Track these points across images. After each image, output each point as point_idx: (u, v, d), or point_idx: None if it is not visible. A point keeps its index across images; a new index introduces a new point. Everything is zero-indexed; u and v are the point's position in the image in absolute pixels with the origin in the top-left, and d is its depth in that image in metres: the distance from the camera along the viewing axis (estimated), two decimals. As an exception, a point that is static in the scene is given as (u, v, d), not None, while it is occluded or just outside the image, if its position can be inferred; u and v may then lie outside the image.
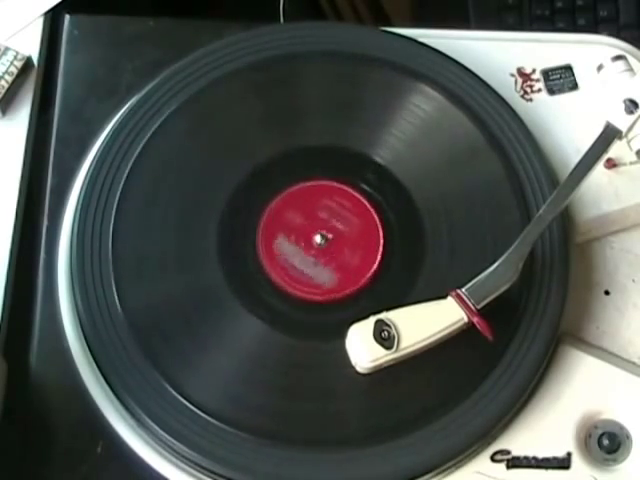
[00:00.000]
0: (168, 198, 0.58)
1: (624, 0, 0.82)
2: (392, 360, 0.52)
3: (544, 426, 0.55)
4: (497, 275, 0.53)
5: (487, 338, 0.52)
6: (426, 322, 0.52)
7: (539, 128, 0.62)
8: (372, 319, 0.52)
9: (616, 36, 0.66)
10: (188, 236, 0.58)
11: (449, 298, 0.53)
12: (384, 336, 0.51)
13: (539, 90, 0.64)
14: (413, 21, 0.86)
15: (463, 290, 0.53)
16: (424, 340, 0.52)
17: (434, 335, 0.52)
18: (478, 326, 0.52)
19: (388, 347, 0.51)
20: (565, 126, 0.63)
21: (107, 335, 0.55)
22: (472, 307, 0.52)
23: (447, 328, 0.52)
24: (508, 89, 0.63)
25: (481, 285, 0.53)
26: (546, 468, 0.54)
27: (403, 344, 0.51)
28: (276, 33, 0.64)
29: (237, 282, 0.56)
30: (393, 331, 0.51)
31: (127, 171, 0.59)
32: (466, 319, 0.52)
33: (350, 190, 0.59)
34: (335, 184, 0.59)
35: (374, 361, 0.51)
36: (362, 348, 0.52)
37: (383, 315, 0.52)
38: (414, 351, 0.52)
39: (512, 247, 0.54)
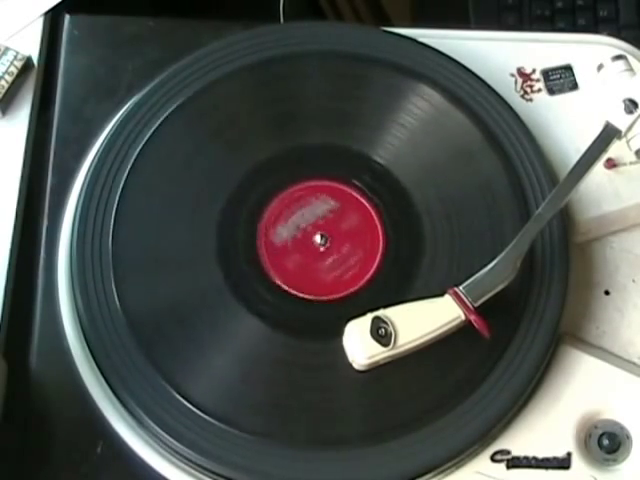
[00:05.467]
0: (168, 198, 0.58)
1: (624, 0, 0.82)
2: (389, 357, 0.52)
3: (544, 426, 0.55)
4: (495, 273, 0.53)
5: (484, 336, 0.52)
6: (423, 319, 0.52)
7: (539, 128, 0.62)
8: (369, 316, 0.52)
9: (616, 36, 0.66)
10: (188, 236, 0.58)
11: (446, 296, 0.53)
12: (381, 333, 0.51)
13: (539, 90, 0.64)
14: (413, 21, 0.86)
15: (460, 288, 0.53)
16: (421, 337, 0.52)
17: (431, 333, 0.52)
18: (475, 324, 0.52)
19: (385, 344, 0.51)
20: (565, 126, 0.63)
21: (107, 335, 0.55)
22: (469, 305, 0.52)
23: (444, 326, 0.52)
24: (508, 89, 0.63)
25: (479, 283, 0.53)
26: (546, 468, 0.54)
27: (400, 341, 0.51)
28: (276, 33, 0.64)
29: (237, 282, 0.56)
30: (390, 328, 0.51)
31: (127, 171, 0.59)
32: (463, 317, 0.52)
33: (350, 190, 0.59)
34: (335, 184, 0.59)
35: (370, 358, 0.51)
36: (359, 345, 0.52)
37: (380, 312, 0.52)
38: (411, 348, 0.52)
39: (510, 245, 0.54)
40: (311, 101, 0.62)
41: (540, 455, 0.54)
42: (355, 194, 0.59)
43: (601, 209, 0.60)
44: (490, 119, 0.61)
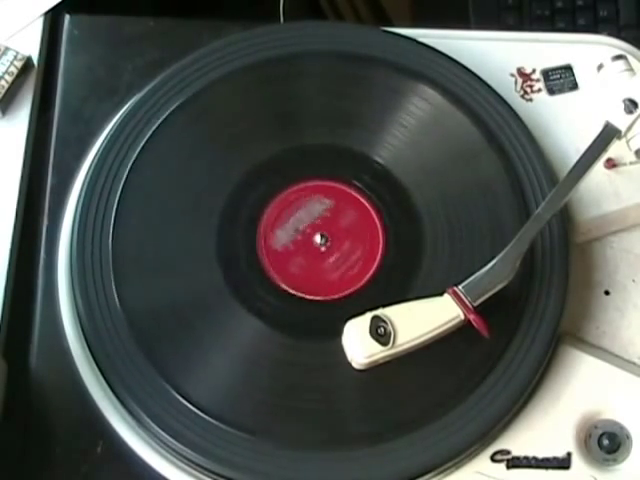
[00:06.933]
0: (168, 198, 0.58)
1: (624, 0, 0.82)
2: (388, 356, 0.52)
3: (544, 426, 0.55)
4: (494, 273, 0.53)
5: (484, 336, 0.52)
6: (422, 319, 0.52)
7: (539, 128, 0.62)
8: (368, 315, 0.52)
9: (616, 36, 0.66)
10: (188, 236, 0.58)
11: (446, 295, 0.53)
12: (380, 332, 0.51)
13: (539, 90, 0.64)
14: (413, 21, 0.86)
15: (460, 287, 0.53)
16: (420, 337, 0.52)
17: (430, 332, 0.52)
18: (474, 323, 0.52)
19: (384, 343, 0.51)
20: (565, 126, 0.63)
21: (107, 335, 0.55)
22: (469, 304, 0.52)
23: (443, 325, 0.52)
24: (508, 89, 0.63)
25: (478, 282, 0.53)
26: (546, 468, 0.54)
27: (399, 340, 0.51)
28: (276, 33, 0.64)
29: (237, 282, 0.56)
30: (389, 327, 0.51)
31: (127, 171, 0.59)
32: (462, 316, 0.52)
33: (350, 190, 0.59)
34: (335, 184, 0.59)
35: (369, 357, 0.51)
36: (358, 344, 0.52)
37: (379, 311, 0.52)
38: (410, 348, 0.52)
39: (509, 245, 0.54)
40: (311, 101, 0.62)
41: (540, 455, 0.54)
42: (355, 194, 0.59)
43: (601, 209, 0.60)
44: (490, 119, 0.61)
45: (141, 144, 0.59)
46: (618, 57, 0.63)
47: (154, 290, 0.56)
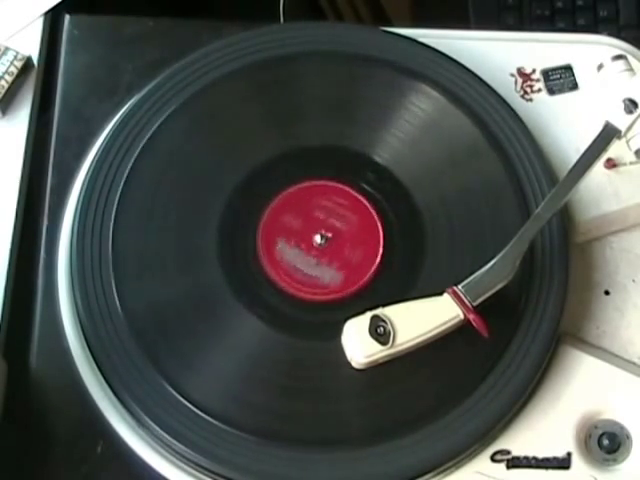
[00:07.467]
0: (168, 198, 0.58)
1: (624, 0, 0.82)
2: (387, 356, 0.52)
3: (544, 426, 0.55)
4: (494, 272, 0.53)
5: (483, 335, 0.52)
6: (422, 318, 0.52)
7: (539, 128, 0.62)
8: (368, 314, 0.52)
9: (616, 36, 0.66)
10: (188, 236, 0.58)
11: (445, 295, 0.53)
12: (380, 332, 0.51)
13: (539, 90, 0.64)
14: (413, 21, 0.86)
15: (459, 287, 0.53)
16: (420, 336, 0.52)
17: (430, 332, 0.52)
18: (474, 323, 0.52)
19: (383, 343, 0.51)
20: (565, 126, 0.63)
21: (107, 335, 0.55)
22: (468, 304, 0.52)
23: (443, 325, 0.52)
24: (508, 89, 0.63)
25: (478, 282, 0.53)
26: (546, 468, 0.54)
27: (398, 340, 0.51)
28: (276, 33, 0.64)
29: (237, 282, 0.56)
30: (389, 327, 0.51)
31: (127, 171, 0.59)
32: (462, 316, 0.52)
33: (350, 190, 0.59)
34: (335, 184, 0.59)
35: (369, 356, 0.51)
36: (357, 343, 0.52)
37: (379, 311, 0.52)
38: (409, 347, 0.52)
39: (509, 245, 0.54)
40: (311, 101, 0.62)
41: (540, 455, 0.54)
42: (355, 194, 0.59)
43: (601, 209, 0.60)
44: (490, 119, 0.61)
45: (141, 144, 0.59)
46: (618, 57, 0.63)
47: (154, 290, 0.56)
